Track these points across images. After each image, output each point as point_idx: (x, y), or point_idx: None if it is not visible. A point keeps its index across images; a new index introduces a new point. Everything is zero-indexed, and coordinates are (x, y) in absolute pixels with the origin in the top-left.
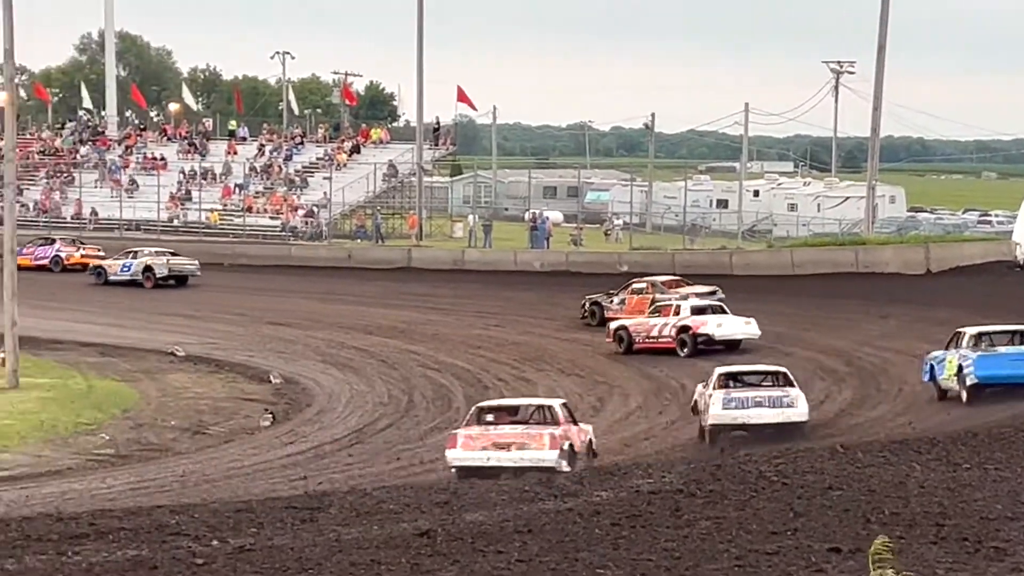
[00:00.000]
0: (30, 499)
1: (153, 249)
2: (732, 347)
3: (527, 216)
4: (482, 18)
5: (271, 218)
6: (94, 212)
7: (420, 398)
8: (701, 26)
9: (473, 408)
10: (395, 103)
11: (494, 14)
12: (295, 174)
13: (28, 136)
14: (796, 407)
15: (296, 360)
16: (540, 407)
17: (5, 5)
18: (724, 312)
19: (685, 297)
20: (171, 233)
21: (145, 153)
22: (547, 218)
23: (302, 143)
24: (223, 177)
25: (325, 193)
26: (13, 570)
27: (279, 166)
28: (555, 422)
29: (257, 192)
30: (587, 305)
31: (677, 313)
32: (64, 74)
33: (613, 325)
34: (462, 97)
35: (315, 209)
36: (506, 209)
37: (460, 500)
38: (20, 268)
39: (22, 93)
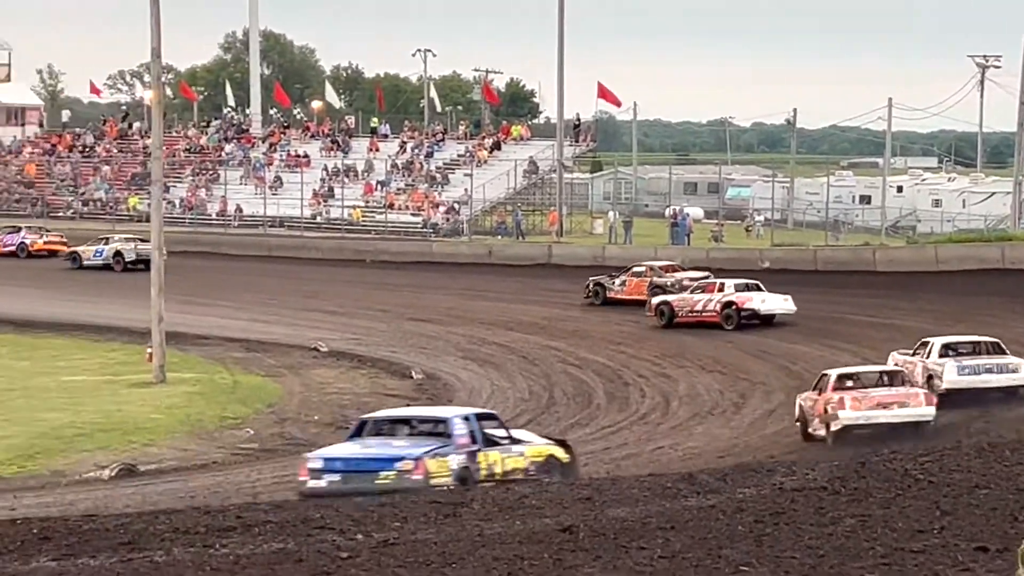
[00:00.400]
0: (178, 492)
1: (123, 236)
2: (767, 321)
3: (667, 212)
4: (623, 14)
5: (412, 215)
6: (239, 209)
7: (560, 394)
8: (843, 20)
9: (833, 375)
10: (536, 100)
11: (635, 9)
12: (436, 171)
13: (174, 134)
14: (1020, 372)
15: (437, 356)
16: (889, 372)
17: (153, 5)
18: (761, 290)
19: (680, 280)
20: (314, 229)
21: (289, 150)
22: (688, 214)
23: (443, 140)
24: (365, 174)
25: (466, 190)
26: (162, 562)
27: (420, 163)
28: (911, 383)
29: (399, 189)
30: (591, 285)
31: (722, 290)
32: (209, 73)
33: (655, 300)
34: (603, 93)
35: (456, 206)
36: (646, 205)
37: (602, 496)
38: None
39: (168, 92)
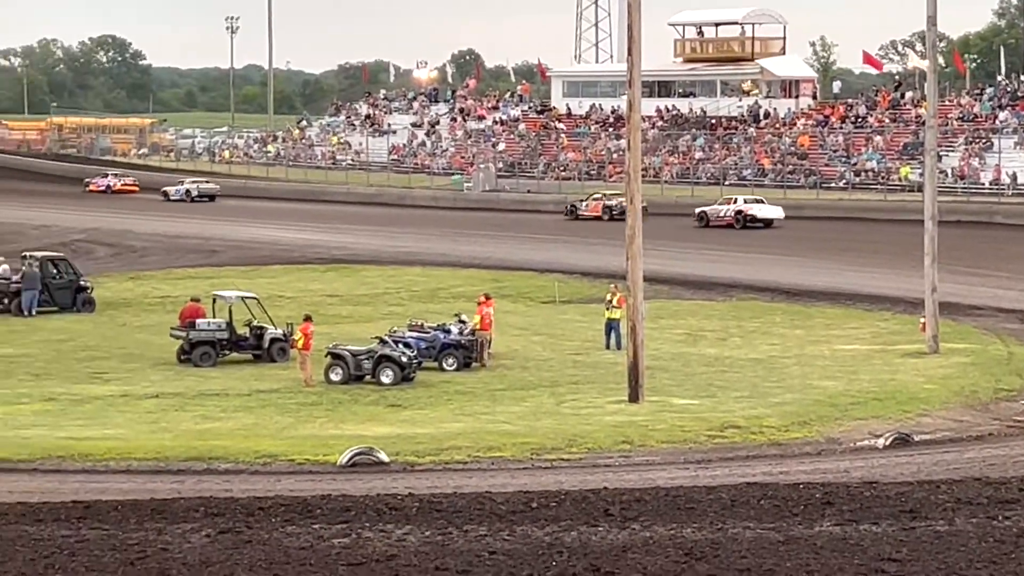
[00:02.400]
0: (953, 463)
1: (192, 179)
2: (768, 224)
3: None
4: None
5: None
6: (1013, 177)
7: None
8: None
9: None
10: None
11: None
12: None
13: (947, 103)
14: None
15: None
16: None
17: None
18: (763, 203)
19: (622, 202)
20: None
21: None
22: None
23: None
24: None
25: None
26: (944, 531)
27: None
28: None
29: None
30: (568, 206)
31: (735, 203)
32: (983, 40)
33: (697, 211)
34: None
35: None
36: None
37: None
38: (91, 192)
39: (941, 60)
